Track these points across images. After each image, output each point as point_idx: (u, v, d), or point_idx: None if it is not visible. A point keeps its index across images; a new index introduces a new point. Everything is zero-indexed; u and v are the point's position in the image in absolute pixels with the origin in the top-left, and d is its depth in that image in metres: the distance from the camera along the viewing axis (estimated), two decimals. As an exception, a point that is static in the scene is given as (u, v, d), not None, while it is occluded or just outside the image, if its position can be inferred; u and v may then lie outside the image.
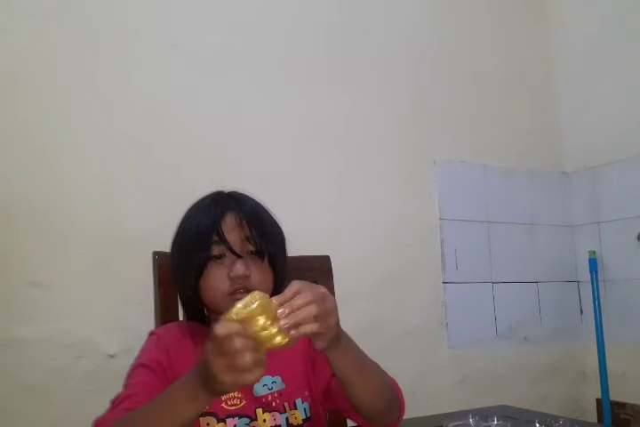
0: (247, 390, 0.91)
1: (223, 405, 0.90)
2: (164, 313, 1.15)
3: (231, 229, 0.91)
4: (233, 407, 0.90)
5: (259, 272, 0.92)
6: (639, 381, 1.88)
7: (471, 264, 1.91)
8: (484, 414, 0.92)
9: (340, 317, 1.36)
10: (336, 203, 1.69)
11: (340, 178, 1.72)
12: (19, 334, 1.24)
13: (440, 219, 1.87)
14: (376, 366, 0.86)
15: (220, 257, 0.92)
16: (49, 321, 1.27)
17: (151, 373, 0.89)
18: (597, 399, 1.99)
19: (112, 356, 1.32)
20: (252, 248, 0.92)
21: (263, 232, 0.94)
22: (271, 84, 1.65)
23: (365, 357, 0.83)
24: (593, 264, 1.99)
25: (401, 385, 0.93)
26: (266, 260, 0.94)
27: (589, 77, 2.12)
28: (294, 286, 0.68)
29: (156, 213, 1.41)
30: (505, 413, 0.97)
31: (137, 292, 1.32)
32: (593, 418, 2.01)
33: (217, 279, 0.91)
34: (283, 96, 1.66)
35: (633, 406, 1.89)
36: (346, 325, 1.33)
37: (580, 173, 2.13)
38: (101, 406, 1.26)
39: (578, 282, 2.12)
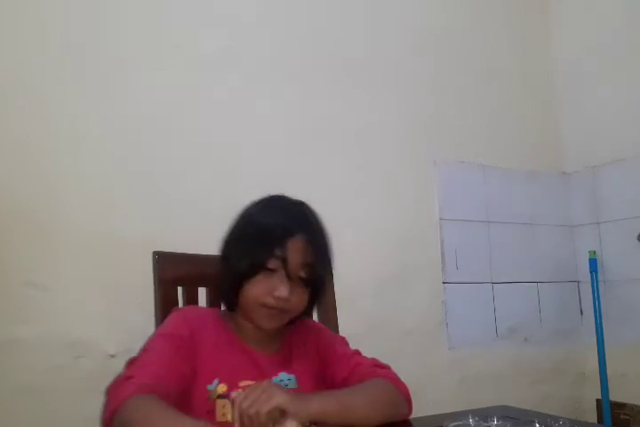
0: (265, 378, 0.91)
1: (240, 391, 0.89)
2: (164, 313, 1.14)
3: (296, 251, 0.92)
4: None
5: (299, 297, 0.95)
6: (639, 381, 1.88)
7: (471, 264, 1.91)
8: (483, 414, 0.92)
9: (340, 317, 1.36)
10: (336, 203, 1.69)
11: (339, 178, 1.72)
12: (18, 334, 1.24)
13: (440, 219, 1.87)
14: (367, 393, 0.89)
15: (271, 270, 0.93)
16: (49, 321, 1.27)
17: (171, 344, 0.91)
18: (597, 400, 1.99)
19: (112, 356, 1.32)
20: (303, 275, 0.94)
21: (320, 264, 0.96)
22: (271, 85, 1.65)
23: (349, 396, 0.87)
24: (593, 264, 1.99)
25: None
26: (309, 287, 0.97)
27: (589, 78, 2.12)
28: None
29: (157, 213, 1.42)
30: (505, 413, 0.96)
31: (137, 292, 1.31)
32: (593, 419, 2.01)
33: (259, 291, 0.92)
34: (283, 96, 1.66)
35: (633, 407, 1.89)
36: (346, 325, 1.34)
37: (580, 173, 2.13)
38: (101, 406, 1.27)
39: (578, 282, 2.12)
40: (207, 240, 1.39)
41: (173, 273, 1.14)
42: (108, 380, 1.28)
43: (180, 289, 1.14)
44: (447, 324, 1.83)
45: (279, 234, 0.92)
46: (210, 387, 0.90)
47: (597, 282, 1.98)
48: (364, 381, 0.94)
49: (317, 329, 1.10)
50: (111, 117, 1.41)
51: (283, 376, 0.96)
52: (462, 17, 2.05)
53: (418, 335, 1.76)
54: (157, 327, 0.99)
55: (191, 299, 1.15)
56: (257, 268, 0.92)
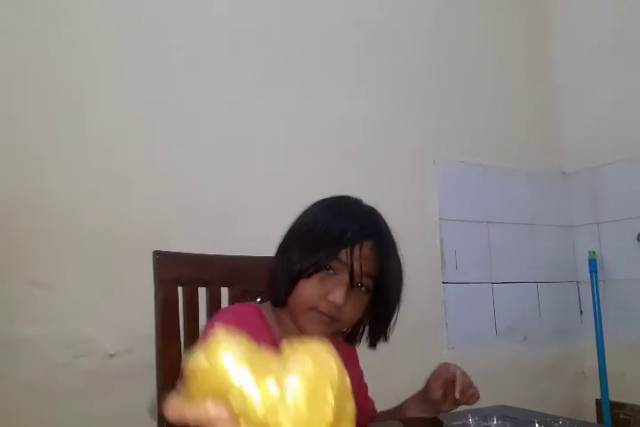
0: None
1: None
2: (164, 313, 1.14)
3: (363, 257, 0.87)
4: None
5: (354, 307, 0.89)
6: (639, 381, 1.88)
7: (471, 264, 1.91)
8: (483, 413, 0.92)
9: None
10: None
11: (339, 178, 1.72)
12: (19, 332, 1.24)
13: (440, 219, 1.87)
14: None
15: (330, 270, 0.88)
16: (49, 320, 1.27)
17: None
18: (597, 400, 1.99)
19: (112, 355, 1.32)
20: (365, 283, 0.89)
21: (388, 275, 0.91)
22: (271, 84, 1.65)
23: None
24: (593, 265, 1.99)
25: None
26: (369, 298, 0.91)
27: (589, 77, 2.12)
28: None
29: (157, 212, 1.42)
30: (504, 413, 0.96)
31: (137, 292, 1.31)
32: (592, 418, 2.01)
33: (314, 292, 0.87)
34: (282, 96, 1.66)
35: (632, 407, 1.89)
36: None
37: (580, 173, 2.13)
38: (101, 406, 1.27)
39: (578, 282, 2.12)
40: (207, 240, 1.40)
41: (173, 273, 1.14)
42: (108, 379, 1.30)
43: (180, 289, 1.14)
44: (447, 324, 1.83)
45: (349, 237, 0.87)
46: None
47: (597, 282, 1.98)
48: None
49: (356, 358, 1.09)
50: (112, 117, 1.41)
51: None
52: (462, 17, 2.05)
53: (417, 335, 1.76)
54: (205, 327, 0.95)
55: (191, 299, 1.15)
56: (317, 267, 0.87)
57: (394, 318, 0.95)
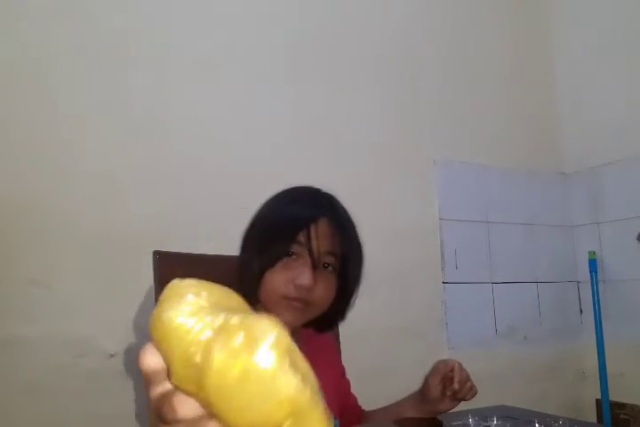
0: None
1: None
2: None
3: (321, 236, 0.85)
4: None
5: (324, 287, 0.86)
6: (639, 381, 1.88)
7: (471, 264, 1.91)
8: (483, 414, 0.92)
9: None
10: (336, 203, 1.69)
11: (339, 178, 1.71)
12: (19, 332, 1.24)
13: (440, 219, 1.87)
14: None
15: (293, 255, 0.85)
16: (49, 320, 1.27)
17: None
18: (597, 399, 1.99)
19: (112, 355, 1.32)
20: (330, 263, 0.87)
21: (349, 251, 0.89)
22: (271, 84, 1.65)
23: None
24: (593, 265, 1.99)
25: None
26: (337, 277, 0.89)
27: (589, 77, 2.12)
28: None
29: (157, 212, 1.42)
30: (505, 413, 0.96)
31: (137, 291, 1.32)
32: (592, 418, 2.01)
33: (280, 281, 0.84)
34: (283, 96, 1.66)
35: (632, 407, 1.89)
36: (346, 325, 1.34)
37: (580, 173, 2.13)
38: (101, 406, 1.27)
39: (578, 282, 2.12)
40: (207, 240, 1.40)
41: (173, 273, 1.13)
42: (107, 379, 1.30)
43: (180, 289, 1.14)
44: (447, 324, 1.83)
45: (304, 217, 0.86)
46: None
47: (597, 282, 1.98)
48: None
49: (335, 351, 1.10)
50: (112, 117, 1.41)
51: None
52: (462, 16, 2.05)
53: (418, 335, 1.76)
54: None
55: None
56: (278, 254, 0.84)
57: (354, 296, 0.93)
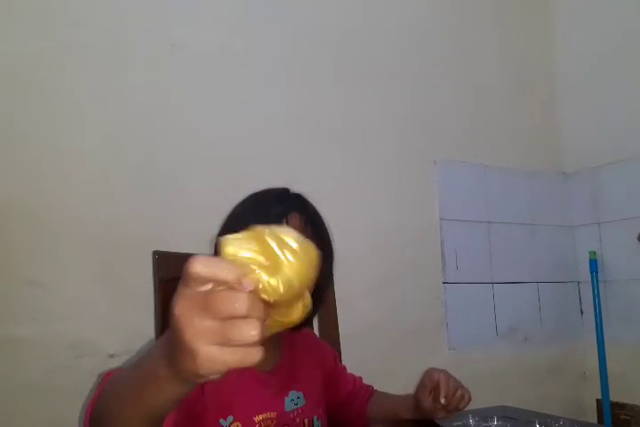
0: (281, 406, 0.88)
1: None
2: (164, 313, 1.14)
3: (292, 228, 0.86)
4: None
5: None
6: (639, 381, 1.88)
7: (471, 264, 1.90)
8: (483, 414, 0.92)
9: (340, 317, 1.36)
10: (336, 203, 1.69)
11: (339, 178, 1.72)
12: (19, 333, 1.24)
13: (440, 219, 1.87)
14: None
15: None
16: (49, 321, 1.27)
17: None
18: (597, 400, 1.99)
19: (112, 356, 1.32)
20: None
21: (322, 245, 0.87)
22: (271, 84, 1.65)
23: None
24: (593, 265, 1.99)
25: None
26: None
27: (590, 78, 2.12)
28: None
29: (157, 212, 1.41)
30: (505, 413, 0.96)
31: (137, 292, 1.31)
32: (593, 419, 2.01)
33: None
34: (283, 95, 1.66)
35: (633, 407, 1.89)
36: (346, 325, 1.34)
37: (580, 173, 2.13)
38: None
39: (578, 282, 2.12)
40: (207, 240, 1.40)
41: (173, 273, 1.14)
42: (107, 380, 1.29)
43: (179, 289, 1.14)
44: (447, 324, 1.83)
45: (275, 213, 0.87)
46: (222, 422, 0.83)
47: (598, 282, 1.98)
48: (370, 393, 1.07)
49: (319, 343, 1.09)
50: (112, 117, 1.41)
51: (292, 395, 0.91)
52: (463, 17, 2.05)
53: (418, 335, 1.76)
54: None
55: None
56: None
57: (325, 291, 0.93)
